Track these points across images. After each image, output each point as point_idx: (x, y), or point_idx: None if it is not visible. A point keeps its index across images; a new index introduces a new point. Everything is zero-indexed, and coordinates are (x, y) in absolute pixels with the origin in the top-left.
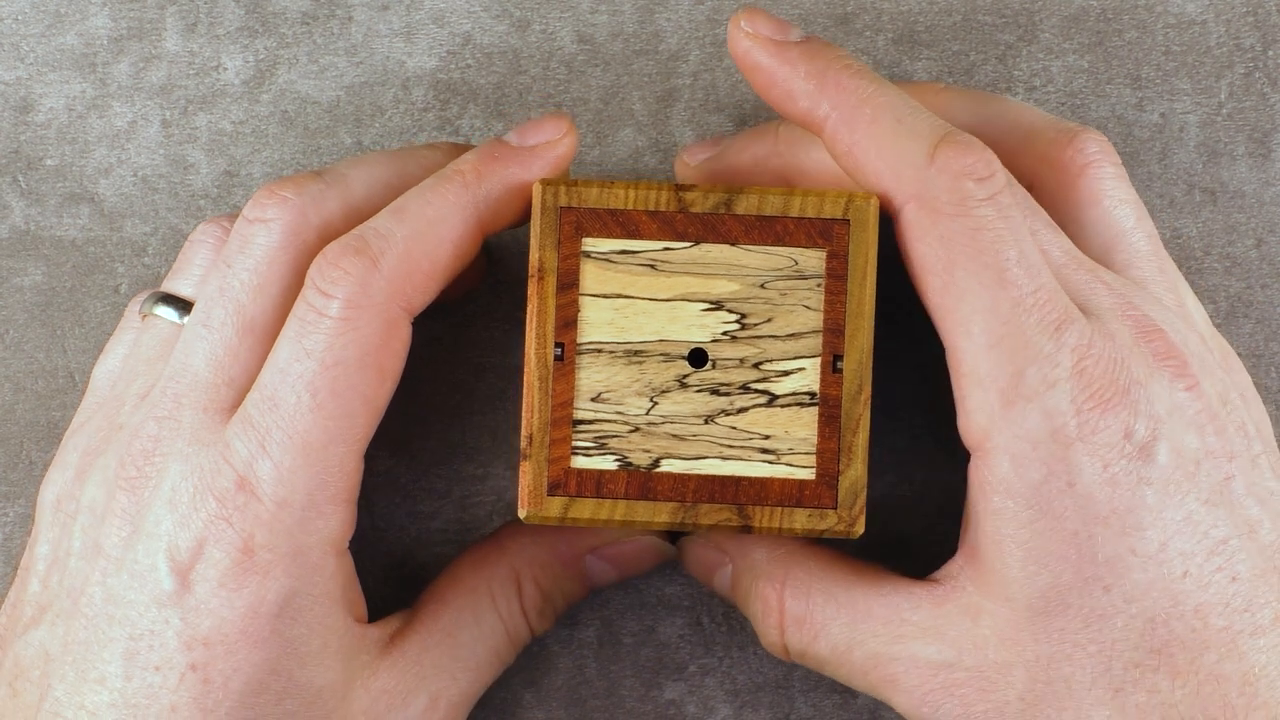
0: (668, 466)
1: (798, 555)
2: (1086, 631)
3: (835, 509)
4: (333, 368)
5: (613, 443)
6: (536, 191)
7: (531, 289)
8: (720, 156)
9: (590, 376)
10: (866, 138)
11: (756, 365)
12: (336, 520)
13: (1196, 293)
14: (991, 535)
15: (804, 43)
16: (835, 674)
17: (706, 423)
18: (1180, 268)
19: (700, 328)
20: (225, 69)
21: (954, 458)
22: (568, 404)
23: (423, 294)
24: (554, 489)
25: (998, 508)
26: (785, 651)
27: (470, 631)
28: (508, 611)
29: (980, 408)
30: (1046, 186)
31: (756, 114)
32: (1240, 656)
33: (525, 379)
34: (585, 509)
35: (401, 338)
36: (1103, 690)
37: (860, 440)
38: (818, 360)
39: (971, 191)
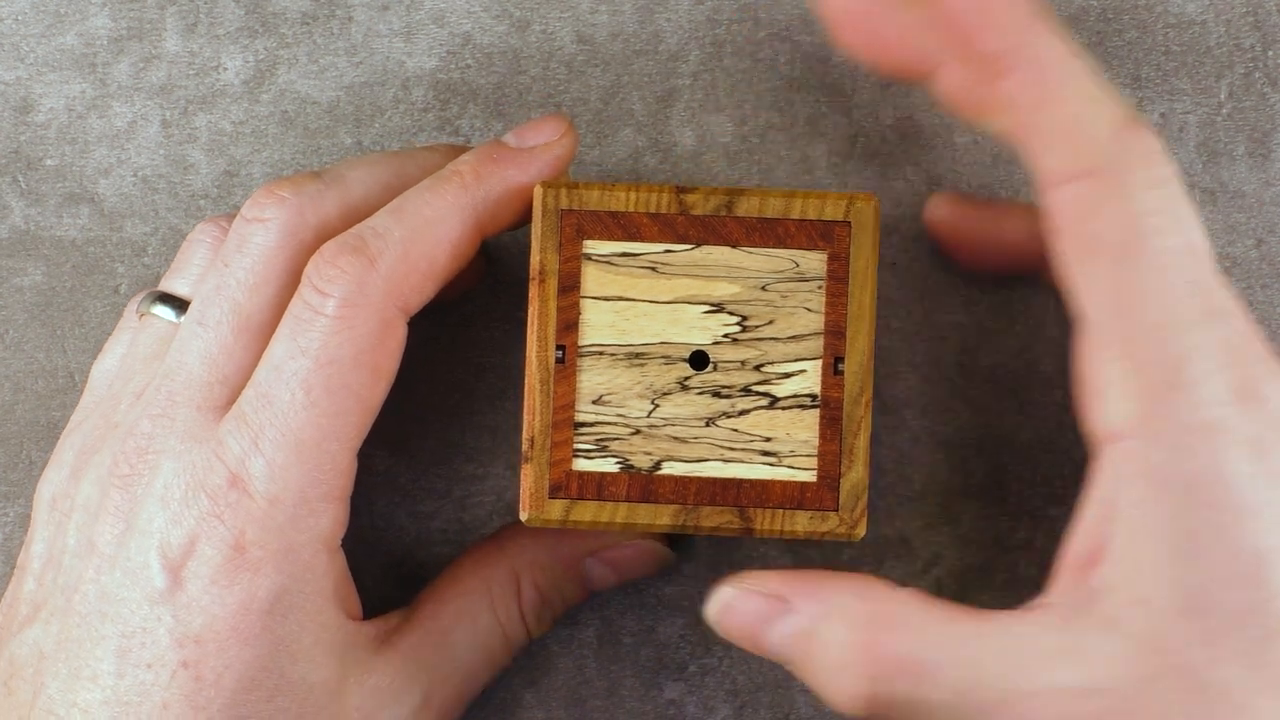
0: (669, 469)
1: (895, 594)
2: (1234, 631)
3: (837, 511)
4: (327, 366)
5: (614, 445)
6: (537, 194)
7: (533, 291)
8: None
9: (591, 379)
10: (1059, 99)
11: (758, 367)
12: (329, 518)
13: None
14: (1135, 530)
15: None
16: None
17: (708, 425)
18: None
19: (701, 330)
20: (225, 69)
21: (955, 458)
22: (569, 406)
23: (419, 294)
24: (555, 491)
25: (1145, 499)
26: (869, 704)
27: (467, 632)
28: (505, 613)
29: (1137, 394)
30: None
31: (757, 114)
32: None
33: (526, 382)
34: (587, 511)
35: (397, 337)
36: (1270, 694)
37: (862, 442)
38: (819, 362)
39: (1148, 176)
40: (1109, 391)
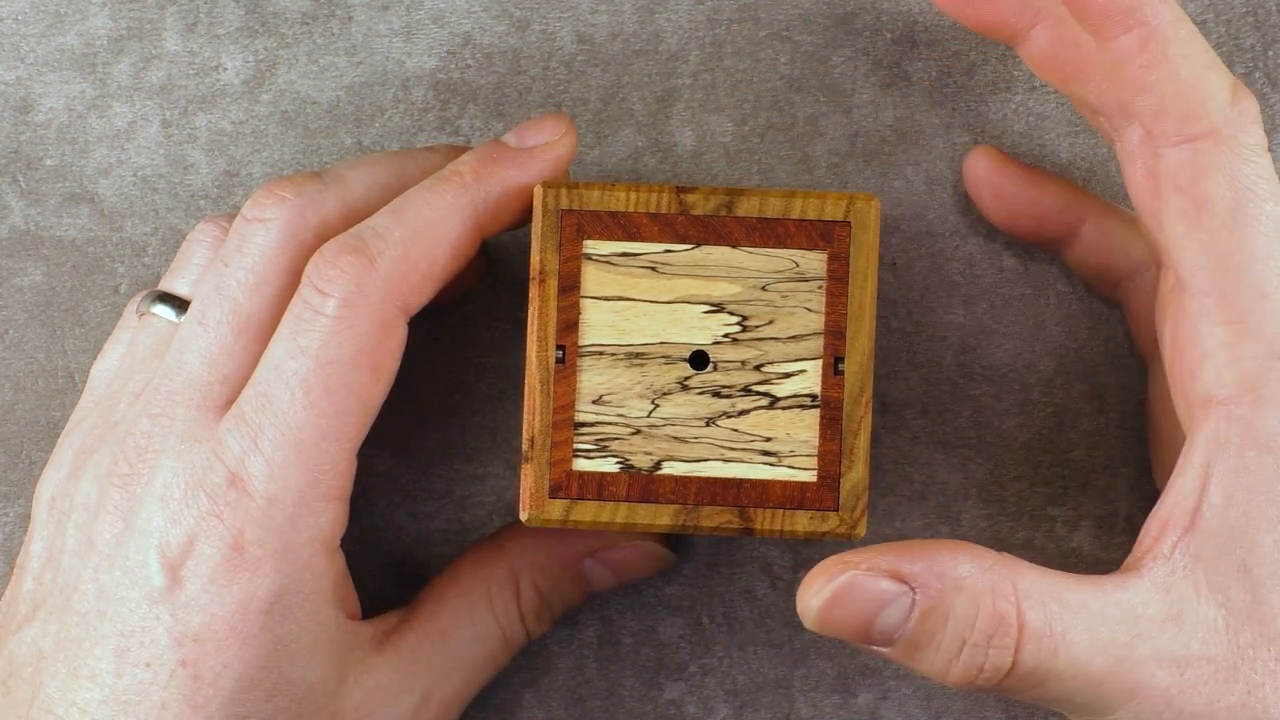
0: (669, 469)
1: (1011, 561)
2: None
3: (837, 511)
4: (327, 365)
5: (614, 445)
6: (537, 194)
7: (533, 291)
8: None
9: (591, 379)
10: (1177, 59)
11: (758, 367)
12: (328, 518)
13: None
14: (1233, 496)
15: None
16: (1054, 695)
17: (708, 425)
18: None
19: (701, 330)
20: (225, 69)
21: (955, 458)
22: (569, 406)
23: (419, 294)
24: (555, 491)
25: (1244, 466)
26: (994, 677)
27: (466, 632)
28: (504, 613)
29: (1245, 357)
30: None
31: (757, 114)
32: None
33: (526, 382)
34: (587, 511)
35: (397, 337)
36: None
37: (862, 442)
38: (819, 362)
39: (1260, 140)
40: (1212, 357)
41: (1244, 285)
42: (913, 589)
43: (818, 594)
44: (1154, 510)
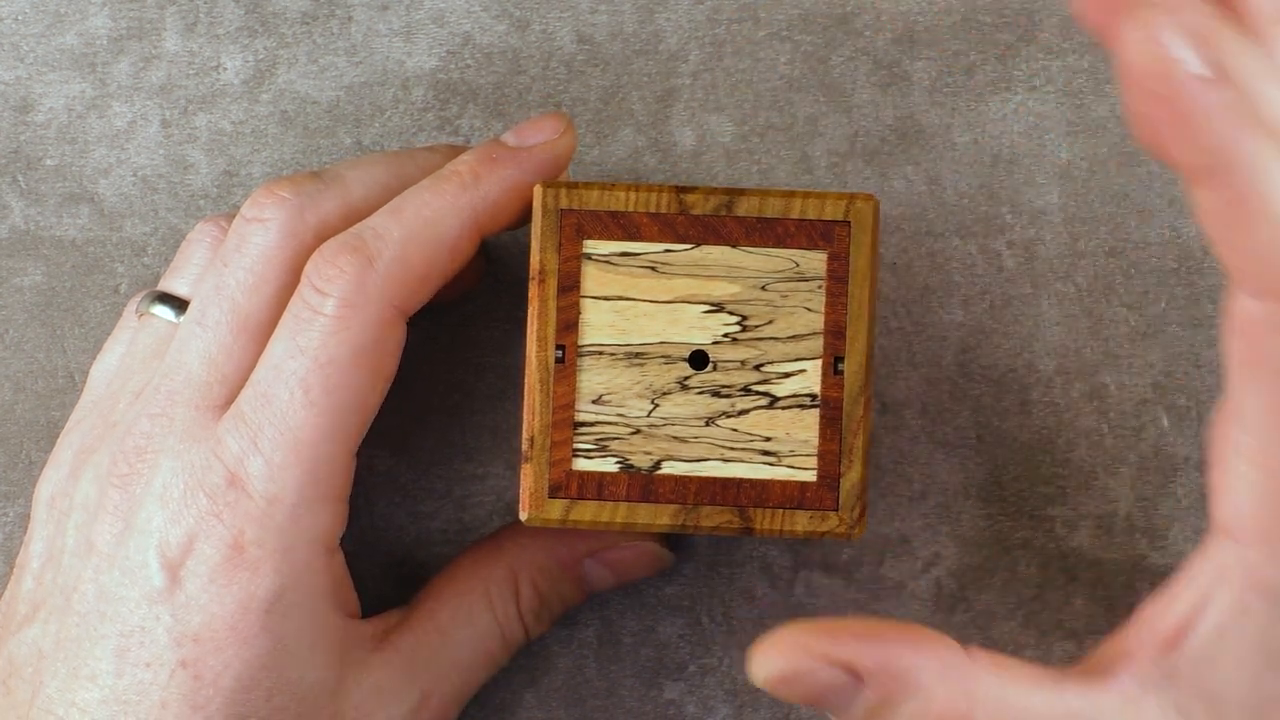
0: (669, 468)
1: (973, 667)
2: None
3: (837, 511)
4: (326, 365)
5: (614, 445)
6: (537, 194)
7: (532, 291)
8: None
9: (591, 379)
10: (1260, 225)
11: (758, 367)
12: (327, 517)
13: (1196, 293)
14: (1227, 632)
15: (1215, 84)
16: None
17: (708, 425)
18: (1180, 267)
19: (701, 330)
20: (225, 69)
21: (955, 458)
22: (569, 406)
23: (418, 294)
24: (555, 491)
25: (1242, 606)
26: None
27: (465, 631)
28: (504, 613)
29: (1261, 504)
30: None
31: (756, 114)
32: None
33: (526, 381)
34: (586, 511)
35: (396, 337)
36: None
37: (861, 442)
38: (819, 362)
39: None
40: (1236, 490)
41: None
42: (863, 683)
43: (765, 667)
44: (1139, 610)
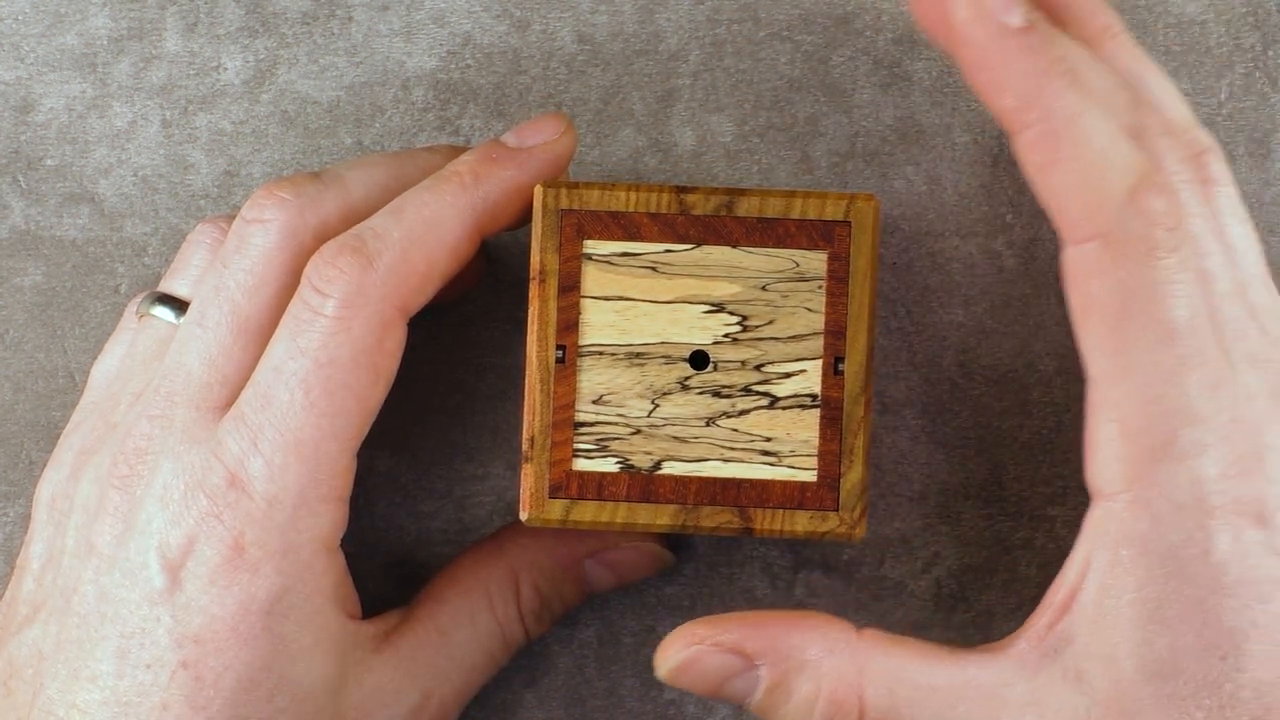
0: (669, 469)
1: (861, 643)
2: (1196, 698)
3: (837, 511)
4: (326, 366)
5: (614, 445)
6: (537, 194)
7: (533, 291)
8: None
9: (592, 379)
10: (1068, 160)
11: (758, 367)
12: (327, 518)
13: None
14: (1109, 590)
15: (1026, 32)
16: None
17: (708, 425)
18: None
19: (702, 330)
20: (225, 69)
21: (955, 458)
22: (569, 406)
23: (418, 295)
24: (555, 491)
25: (1120, 562)
26: None
27: (465, 631)
28: (504, 613)
29: (1125, 458)
30: None
31: (756, 114)
32: None
33: (527, 381)
34: (587, 511)
35: (396, 338)
36: None
37: (862, 442)
38: (819, 362)
39: (1160, 240)
40: (1101, 452)
41: (1127, 389)
42: (756, 665)
43: (665, 663)
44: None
